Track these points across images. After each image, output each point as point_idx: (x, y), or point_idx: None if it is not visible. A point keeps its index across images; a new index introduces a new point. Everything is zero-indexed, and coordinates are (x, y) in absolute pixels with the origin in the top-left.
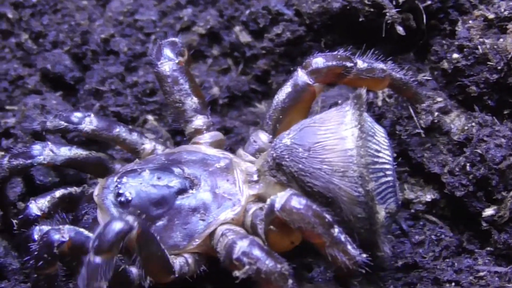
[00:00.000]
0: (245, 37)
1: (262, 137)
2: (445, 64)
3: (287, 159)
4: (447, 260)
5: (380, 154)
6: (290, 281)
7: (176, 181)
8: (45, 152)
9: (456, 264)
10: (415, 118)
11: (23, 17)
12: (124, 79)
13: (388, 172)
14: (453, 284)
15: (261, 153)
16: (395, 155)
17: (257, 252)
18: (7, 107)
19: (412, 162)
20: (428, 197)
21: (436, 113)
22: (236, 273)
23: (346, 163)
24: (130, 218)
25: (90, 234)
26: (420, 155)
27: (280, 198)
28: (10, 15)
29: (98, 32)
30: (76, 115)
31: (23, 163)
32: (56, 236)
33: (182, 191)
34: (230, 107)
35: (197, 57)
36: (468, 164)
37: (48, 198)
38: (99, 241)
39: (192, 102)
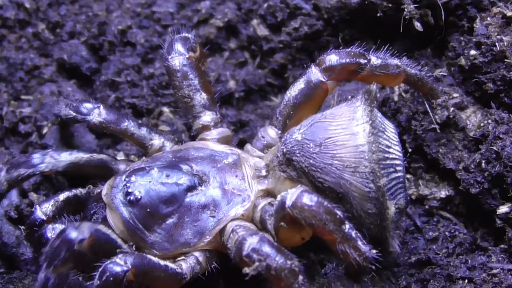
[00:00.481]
0: (262, 31)
1: (271, 132)
2: (462, 61)
3: (298, 154)
4: (461, 257)
5: (391, 150)
6: (301, 277)
7: (185, 178)
8: (46, 159)
9: (469, 261)
10: (430, 114)
11: (40, 7)
12: (140, 71)
13: (398, 168)
14: (466, 281)
15: (269, 148)
16: (410, 150)
17: (266, 249)
18: (23, 97)
19: (427, 158)
20: (443, 194)
21: (451, 109)
22: (246, 269)
23: (357, 158)
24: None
25: (109, 231)
26: (435, 150)
27: (291, 195)
28: (27, 5)
29: (115, 23)
30: (86, 106)
31: (24, 173)
32: (74, 234)
33: (191, 188)
34: (246, 100)
35: (214, 50)
36: (483, 161)
37: (52, 202)
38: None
39: (201, 97)
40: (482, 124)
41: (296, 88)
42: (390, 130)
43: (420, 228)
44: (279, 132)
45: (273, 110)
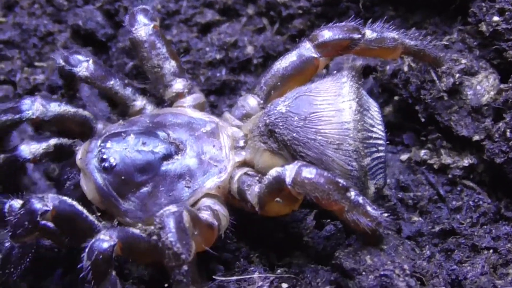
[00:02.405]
0: None
1: (251, 101)
2: (483, 27)
3: (281, 127)
4: (485, 226)
5: (374, 129)
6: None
7: (162, 146)
8: (35, 106)
9: (493, 231)
10: (437, 82)
11: None
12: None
13: (381, 148)
14: (491, 251)
15: (247, 118)
16: (423, 120)
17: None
18: (36, 64)
19: (440, 126)
20: (466, 162)
21: (457, 75)
22: None
23: (342, 136)
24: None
25: (75, 203)
26: (447, 118)
27: (290, 171)
28: None
29: None
30: (75, 58)
31: (11, 119)
32: (39, 205)
33: (167, 156)
34: (264, 67)
35: (231, 15)
36: (508, 130)
37: (44, 145)
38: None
39: (170, 66)
40: (504, 93)
41: (287, 60)
42: (374, 109)
43: (444, 198)
44: (261, 102)
45: (257, 79)
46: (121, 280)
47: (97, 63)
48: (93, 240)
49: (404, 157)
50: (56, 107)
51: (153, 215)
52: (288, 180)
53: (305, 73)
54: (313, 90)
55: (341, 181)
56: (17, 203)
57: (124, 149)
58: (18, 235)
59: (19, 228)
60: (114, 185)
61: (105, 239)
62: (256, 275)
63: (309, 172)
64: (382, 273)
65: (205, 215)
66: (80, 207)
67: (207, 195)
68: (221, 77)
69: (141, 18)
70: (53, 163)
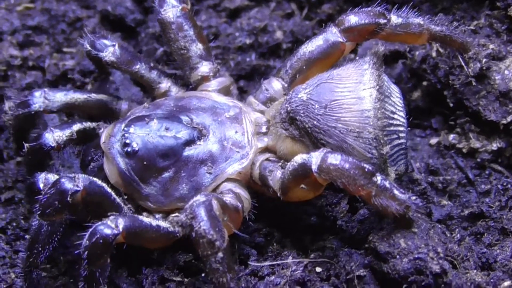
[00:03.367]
0: None
1: (276, 85)
2: None
3: (302, 114)
4: None
5: (395, 116)
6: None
7: (184, 131)
8: (40, 99)
9: None
10: (465, 67)
11: None
12: None
13: (402, 135)
14: None
15: (271, 102)
16: (451, 105)
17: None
18: (65, 50)
19: (468, 111)
20: (494, 146)
21: (484, 60)
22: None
23: (362, 123)
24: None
25: (104, 185)
26: (475, 103)
27: (316, 158)
28: None
29: None
30: (101, 42)
31: (23, 113)
32: (70, 185)
33: (190, 142)
34: (293, 52)
35: (260, 1)
36: None
37: (67, 132)
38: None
39: (197, 48)
40: None
41: (313, 44)
42: (395, 95)
43: (472, 181)
44: (285, 85)
45: (283, 62)
46: (155, 266)
47: (123, 48)
48: (98, 223)
49: (433, 141)
50: (62, 97)
51: (174, 200)
52: (314, 167)
53: (330, 58)
54: (335, 77)
55: (366, 166)
56: (53, 176)
57: (147, 134)
58: (48, 214)
59: (49, 207)
60: (136, 170)
61: (110, 226)
62: (290, 259)
63: (334, 159)
64: (416, 256)
65: (228, 198)
66: (109, 189)
67: (228, 179)
68: (251, 62)
69: (170, 0)
70: (77, 147)
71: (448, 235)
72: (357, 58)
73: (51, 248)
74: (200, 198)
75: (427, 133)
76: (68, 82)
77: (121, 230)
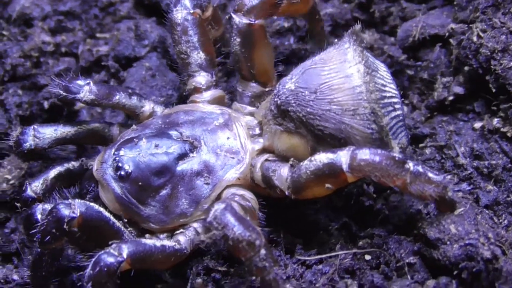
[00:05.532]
0: None
1: (249, 85)
2: None
3: (294, 104)
4: None
5: (387, 88)
6: (263, 251)
7: (175, 146)
8: (30, 138)
9: None
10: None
11: None
12: (225, 8)
13: (397, 106)
14: None
15: (256, 99)
16: (494, 90)
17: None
18: (98, 35)
19: (511, 96)
20: None
21: None
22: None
23: (356, 100)
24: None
25: (102, 209)
26: None
27: (345, 157)
28: None
29: None
30: (75, 84)
31: (16, 151)
32: (66, 211)
33: (182, 156)
34: (332, 35)
35: None
36: None
37: (41, 180)
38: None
39: (198, 56)
40: None
41: (235, 42)
42: (382, 69)
43: None
44: (254, 82)
45: (235, 67)
46: (199, 256)
47: (97, 83)
48: (101, 252)
49: (477, 125)
50: (52, 133)
51: (176, 216)
52: (344, 166)
53: (257, 40)
54: (318, 62)
55: (396, 154)
56: (50, 206)
57: (138, 154)
58: (46, 242)
59: (47, 235)
60: (132, 193)
61: (114, 254)
62: (337, 248)
63: (364, 154)
64: (467, 242)
65: (236, 200)
66: (107, 214)
67: (228, 187)
68: (289, 46)
69: (185, 1)
70: (68, 188)
71: (496, 220)
72: (336, 40)
73: (53, 276)
74: (220, 206)
75: (469, 117)
76: (102, 69)
77: (125, 257)
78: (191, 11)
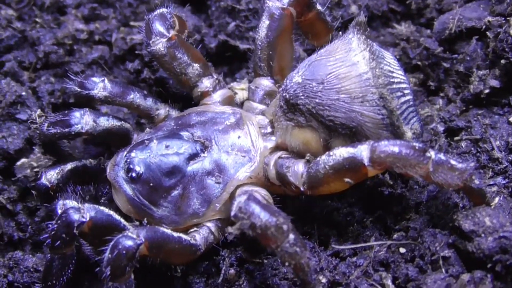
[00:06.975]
0: None
1: (263, 82)
2: None
3: (302, 97)
4: None
5: (394, 75)
6: (291, 236)
7: (186, 146)
8: (84, 120)
9: None
10: None
11: None
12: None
13: (406, 91)
14: None
15: (269, 97)
16: None
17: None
18: (132, 23)
19: None
20: None
21: None
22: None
23: (364, 87)
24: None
25: (112, 213)
26: None
27: (365, 151)
28: None
29: None
30: (90, 81)
31: (61, 132)
32: (76, 216)
33: (193, 156)
34: (368, 26)
35: None
36: None
37: (58, 170)
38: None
39: (194, 69)
40: None
41: (263, 28)
42: (389, 56)
43: None
44: (269, 78)
45: (251, 62)
46: (232, 247)
47: (113, 81)
48: (119, 236)
49: None
50: (105, 122)
51: (188, 216)
52: (366, 160)
53: (285, 29)
54: (323, 54)
55: (416, 144)
56: (71, 202)
57: (148, 155)
58: (57, 247)
59: (57, 240)
60: (144, 194)
61: (132, 237)
62: (372, 240)
63: (384, 146)
64: (501, 234)
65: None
66: (117, 217)
67: (240, 186)
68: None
69: (158, 27)
70: (83, 186)
71: None
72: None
73: (64, 280)
74: (241, 198)
75: (505, 110)
76: (136, 58)
77: (143, 240)
78: (168, 36)
